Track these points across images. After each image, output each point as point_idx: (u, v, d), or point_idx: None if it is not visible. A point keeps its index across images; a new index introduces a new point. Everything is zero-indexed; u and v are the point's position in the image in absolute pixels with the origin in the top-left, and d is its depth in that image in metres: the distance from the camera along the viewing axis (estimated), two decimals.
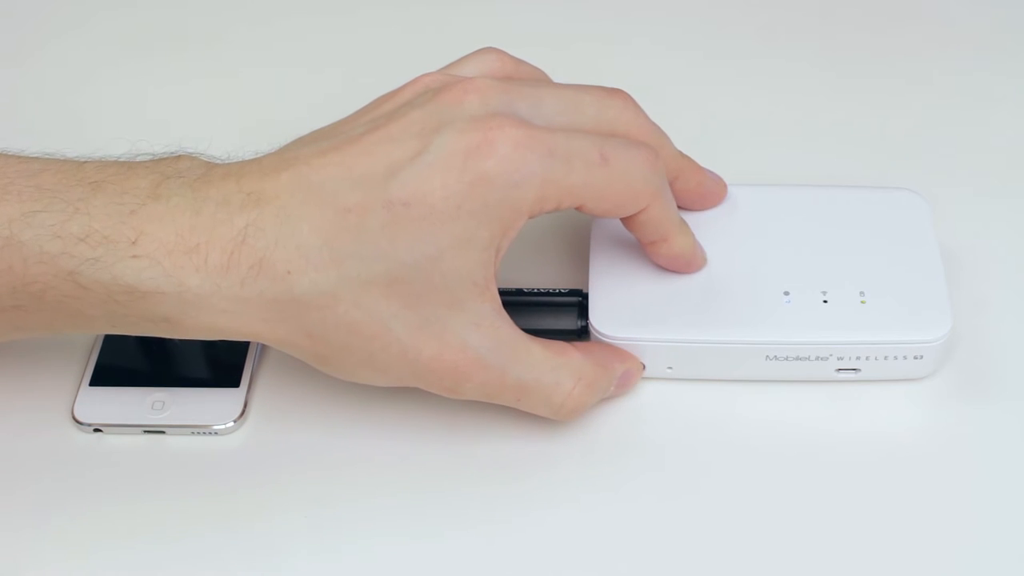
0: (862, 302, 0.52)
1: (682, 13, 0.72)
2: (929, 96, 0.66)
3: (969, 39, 0.69)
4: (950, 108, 0.65)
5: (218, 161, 0.49)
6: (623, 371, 0.52)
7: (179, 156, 0.48)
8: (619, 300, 0.53)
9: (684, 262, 0.53)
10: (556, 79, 0.52)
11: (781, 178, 0.60)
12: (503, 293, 0.50)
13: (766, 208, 0.56)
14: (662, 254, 0.52)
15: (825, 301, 0.52)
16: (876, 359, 0.52)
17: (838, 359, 0.52)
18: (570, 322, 0.54)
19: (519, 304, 0.53)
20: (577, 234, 0.58)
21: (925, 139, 0.64)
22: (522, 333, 0.49)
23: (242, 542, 0.50)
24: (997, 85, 0.66)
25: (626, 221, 0.51)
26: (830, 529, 0.49)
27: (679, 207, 0.53)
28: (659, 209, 0.50)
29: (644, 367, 0.53)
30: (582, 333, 0.54)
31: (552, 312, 0.54)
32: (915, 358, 0.52)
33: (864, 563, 0.48)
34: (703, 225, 0.54)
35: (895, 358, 0.52)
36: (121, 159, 0.49)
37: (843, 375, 0.53)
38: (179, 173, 0.47)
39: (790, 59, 0.69)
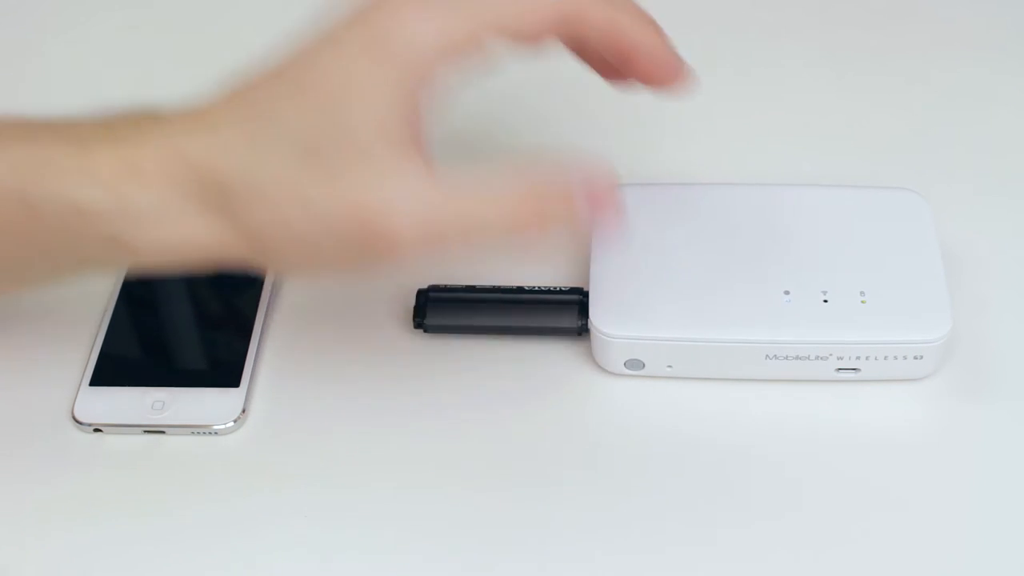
0: (862, 302, 0.52)
1: (682, 13, 0.71)
2: (928, 95, 0.66)
3: (969, 38, 0.69)
4: (950, 108, 0.65)
5: None
6: (582, 178, 0.47)
7: (128, 108, 0.49)
8: (619, 298, 0.53)
9: (667, 67, 0.49)
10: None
11: (781, 178, 0.60)
12: (504, 291, 0.49)
13: (766, 208, 0.56)
14: (641, 65, 0.48)
15: (825, 301, 0.52)
16: (876, 359, 0.52)
17: (838, 359, 0.52)
18: (570, 320, 0.54)
19: (519, 302, 0.53)
20: (578, 232, 0.58)
21: (925, 139, 0.64)
22: (445, 170, 0.46)
23: (242, 542, 0.50)
24: (997, 85, 0.66)
25: (585, 56, 0.48)
26: (830, 528, 0.49)
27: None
28: (600, 8, 0.47)
29: (614, 176, 0.47)
30: (582, 331, 0.54)
31: (552, 310, 0.54)
32: (915, 358, 0.52)
33: (864, 563, 0.48)
34: (703, 224, 0.54)
35: (895, 358, 0.52)
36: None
37: (843, 375, 0.53)
38: (127, 114, 0.48)
39: (789, 59, 0.68)
